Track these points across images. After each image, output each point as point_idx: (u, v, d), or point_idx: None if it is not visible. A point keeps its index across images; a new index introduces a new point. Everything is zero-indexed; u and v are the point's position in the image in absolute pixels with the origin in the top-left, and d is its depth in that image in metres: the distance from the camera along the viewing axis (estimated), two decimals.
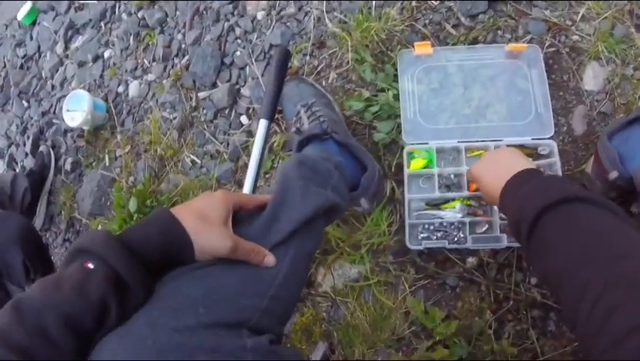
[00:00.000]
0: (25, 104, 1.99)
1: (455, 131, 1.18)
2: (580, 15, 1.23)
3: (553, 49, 1.22)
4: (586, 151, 1.15)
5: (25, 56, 2.04)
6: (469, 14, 1.28)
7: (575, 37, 1.22)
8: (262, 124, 1.12)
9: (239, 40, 1.49)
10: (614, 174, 0.98)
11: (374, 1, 1.36)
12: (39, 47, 2.00)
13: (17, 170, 1.93)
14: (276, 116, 1.20)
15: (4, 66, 2.13)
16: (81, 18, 1.87)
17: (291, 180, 0.82)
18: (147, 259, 0.65)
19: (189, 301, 0.64)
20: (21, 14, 2.04)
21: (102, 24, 1.81)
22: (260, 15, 1.48)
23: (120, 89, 1.69)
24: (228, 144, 1.42)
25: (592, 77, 1.19)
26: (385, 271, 1.17)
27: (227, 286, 0.68)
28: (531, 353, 1.06)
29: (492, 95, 1.18)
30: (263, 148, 1.11)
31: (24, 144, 1.94)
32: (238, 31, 1.49)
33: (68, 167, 1.77)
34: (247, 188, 1.07)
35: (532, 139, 1.14)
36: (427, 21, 1.31)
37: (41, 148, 1.83)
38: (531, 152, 1.13)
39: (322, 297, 1.21)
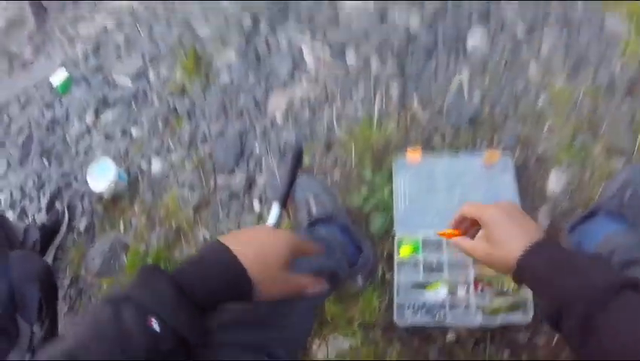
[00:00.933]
0: (46, 163, 2.16)
1: (438, 225, 1.40)
2: (545, 128, 1.53)
3: (522, 157, 1.52)
4: None
5: (52, 119, 2.24)
6: (454, 127, 1.58)
7: (541, 148, 1.52)
8: (275, 206, 1.35)
9: (258, 136, 1.73)
10: None
11: (376, 115, 1.64)
12: (67, 114, 2.21)
13: (28, 222, 2.07)
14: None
15: (29, 124, 2.32)
16: (114, 95, 2.10)
17: None
18: (204, 303, 0.65)
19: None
20: (55, 81, 2.25)
21: (133, 104, 2.04)
22: (278, 117, 1.74)
23: (144, 165, 1.89)
24: (239, 225, 1.63)
25: (556, 182, 1.48)
26: (373, 344, 1.37)
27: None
28: None
29: (470, 197, 1.45)
30: (276, 225, 1.33)
31: (38, 200, 2.10)
32: (258, 128, 1.74)
33: (81, 227, 1.92)
34: None
35: None
36: (418, 132, 1.61)
37: (57, 206, 2.00)
38: None
39: None
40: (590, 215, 1.29)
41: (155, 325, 0.58)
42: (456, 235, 0.93)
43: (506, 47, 1.68)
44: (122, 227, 1.84)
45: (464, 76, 1.66)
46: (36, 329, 1.43)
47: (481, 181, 1.47)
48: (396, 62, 1.71)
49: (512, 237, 0.78)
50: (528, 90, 1.62)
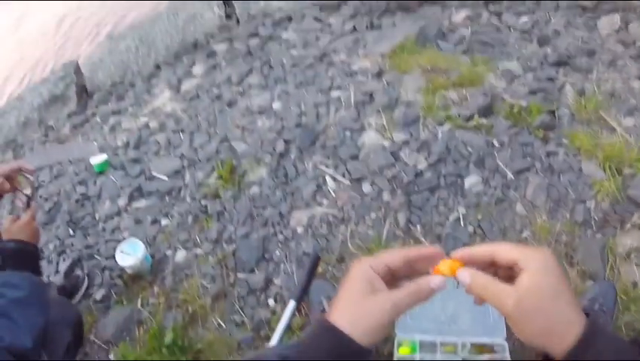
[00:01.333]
0: (71, 232, 2.37)
1: (434, 330, 1.69)
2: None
3: None
4: (529, 351, 1.63)
5: (84, 194, 2.49)
6: (449, 253, 1.90)
7: None
8: (291, 304, 1.63)
9: (280, 244, 2.04)
10: None
11: (384, 236, 1.98)
12: (100, 193, 2.47)
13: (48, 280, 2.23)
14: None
15: (59, 193, 2.56)
16: (149, 186, 2.40)
17: None
18: None
19: None
20: (94, 160, 2.54)
21: (167, 197, 2.34)
22: (299, 229, 2.07)
23: (169, 253, 2.14)
24: (253, 318, 1.88)
25: None
26: None
27: None
28: None
29: (462, 308, 1.71)
30: (290, 320, 1.60)
31: (57, 263, 2.29)
32: (280, 236, 2.06)
33: (98, 296, 2.11)
34: (274, 340, 1.54)
35: (490, 340, 1.65)
36: None
37: (78, 272, 2.19)
38: (489, 350, 1.64)
39: None
40: None
41: None
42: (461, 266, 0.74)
43: (497, 187, 2.08)
44: (139, 303, 2.05)
45: (461, 209, 2.04)
46: None
47: (471, 298, 1.79)
48: (404, 193, 2.09)
49: (567, 308, 0.65)
50: (514, 224, 1.99)
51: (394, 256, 0.72)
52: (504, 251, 0.71)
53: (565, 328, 0.64)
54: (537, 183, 2.06)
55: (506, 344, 1.64)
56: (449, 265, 0.73)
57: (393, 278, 0.72)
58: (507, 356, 1.61)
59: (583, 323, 0.63)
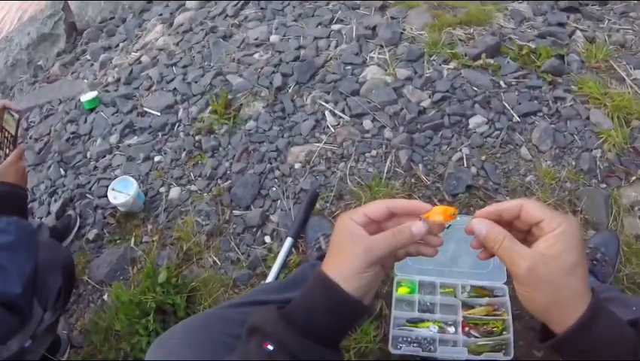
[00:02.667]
0: (62, 172, 2.30)
1: (433, 272, 1.64)
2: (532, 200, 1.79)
3: None
4: None
5: (74, 133, 2.40)
6: (451, 193, 1.83)
7: None
8: (288, 241, 1.56)
9: (276, 180, 1.94)
10: None
11: (384, 174, 1.89)
12: (91, 131, 2.38)
13: (40, 221, 2.17)
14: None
15: (49, 133, 2.47)
16: (141, 122, 2.29)
17: (309, 273, 1.17)
18: (320, 332, 0.68)
19: None
20: (84, 98, 2.43)
21: (160, 134, 2.23)
22: (297, 165, 1.96)
23: (162, 190, 2.06)
24: (249, 255, 1.80)
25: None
26: None
27: None
28: None
29: (462, 250, 1.67)
30: (286, 257, 1.53)
31: (49, 204, 2.23)
32: (277, 172, 1.96)
33: (90, 236, 2.04)
34: (270, 277, 1.47)
35: (490, 283, 1.61)
36: (420, 194, 1.84)
37: (70, 212, 2.12)
38: (489, 292, 1.61)
39: None
40: None
41: (269, 345, 0.66)
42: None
43: (502, 129, 1.98)
44: (132, 242, 1.98)
45: (464, 149, 1.94)
46: (47, 316, 1.52)
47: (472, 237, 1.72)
48: (406, 131, 1.98)
49: (578, 284, 0.63)
50: (518, 167, 1.90)
51: (376, 206, 0.72)
52: (531, 207, 0.67)
53: (570, 305, 0.62)
54: (544, 128, 1.97)
55: (506, 288, 1.60)
56: (442, 211, 0.71)
57: (380, 229, 0.72)
58: (507, 300, 1.57)
59: (588, 301, 0.62)
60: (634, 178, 1.88)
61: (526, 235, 0.68)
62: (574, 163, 1.91)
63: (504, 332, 1.53)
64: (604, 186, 1.86)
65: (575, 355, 0.65)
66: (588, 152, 1.93)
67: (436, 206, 0.72)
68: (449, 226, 0.75)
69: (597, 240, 1.66)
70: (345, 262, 0.68)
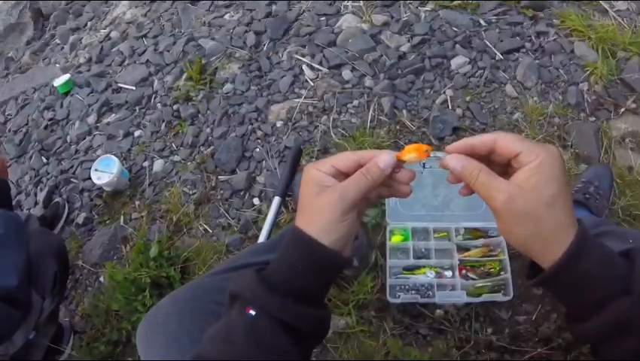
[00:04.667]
0: (45, 160, 2.24)
1: (425, 217, 1.60)
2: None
3: None
4: None
5: (52, 119, 2.34)
6: (438, 136, 1.78)
7: None
8: (276, 200, 1.51)
9: (259, 140, 1.89)
10: None
11: (368, 123, 1.82)
12: (68, 115, 2.31)
13: (28, 213, 2.13)
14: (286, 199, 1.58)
15: (27, 123, 2.41)
16: (117, 99, 2.22)
17: None
18: (301, 291, 0.66)
19: None
20: (57, 82, 2.36)
21: (137, 108, 2.17)
22: (279, 123, 1.90)
23: (145, 164, 2.01)
24: (239, 220, 1.76)
25: None
26: (367, 323, 1.50)
27: None
28: None
29: (454, 193, 1.61)
30: (276, 217, 1.49)
31: (35, 194, 2.18)
32: (259, 133, 1.90)
33: (80, 220, 2.01)
34: (262, 239, 1.44)
35: (484, 224, 1.58)
36: (406, 140, 1.79)
37: (57, 199, 2.08)
38: (483, 234, 1.57)
39: None
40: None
41: (251, 310, 0.64)
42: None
43: (485, 67, 1.92)
44: (122, 220, 1.94)
45: (448, 91, 1.87)
46: (46, 304, 1.50)
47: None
48: (387, 78, 1.91)
49: (561, 216, 0.60)
50: (504, 105, 1.85)
51: (343, 157, 0.69)
52: (506, 141, 0.63)
53: (554, 238, 0.59)
54: (528, 64, 1.91)
55: None
56: (415, 149, 0.68)
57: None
58: (502, 239, 1.53)
59: (573, 234, 0.59)
60: (623, 110, 1.83)
61: (506, 168, 0.65)
62: (561, 98, 1.86)
63: (502, 272, 1.51)
64: (593, 119, 1.81)
65: (564, 289, 0.62)
66: (575, 86, 1.87)
67: (408, 145, 0.69)
68: (425, 164, 0.74)
69: (589, 173, 1.61)
70: (319, 215, 0.65)
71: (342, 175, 0.68)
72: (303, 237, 0.65)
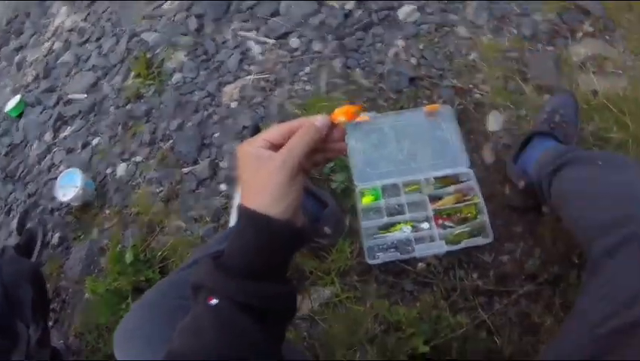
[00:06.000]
0: (11, 187, 2.19)
1: (393, 173, 1.56)
2: (479, 78, 1.71)
3: (461, 106, 1.67)
4: (498, 175, 1.55)
5: (10, 144, 2.28)
6: (396, 90, 1.72)
7: (477, 96, 1.68)
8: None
9: (216, 125, 1.82)
10: (521, 184, 1.39)
11: (323, 88, 1.77)
12: (25, 137, 2.25)
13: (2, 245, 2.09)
14: None
15: None
16: (70, 110, 2.16)
17: None
18: (249, 267, 0.64)
19: None
20: (8, 107, 2.29)
21: (91, 116, 2.10)
22: (233, 104, 1.84)
23: (108, 171, 1.95)
24: (210, 209, 1.71)
25: (494, 122, 1.64)
26: (352, 288, 1.47)
27: None
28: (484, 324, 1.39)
29: (419, 145, 1.59)
30: None
31: (7, 224, 2.13)
32: (215, 117, 1.84)
33: (55, 241, 1.95)
34: (232, 223, 1.39)
35: (453, 171, 1.54)
36: (365, 98, 1.74)
37: (29, 225, 2.03)
38: (454, 180, 1.53)
39: (302, 319, 1.48)
40: (527, 141, 1.45)
41: (214, 300, 0.62)
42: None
43: (434, 12, 1.85)
44: (95, 232, 1.89)
45: (399, 43, 1.80)
46: (32, 331, 1.46)
47: (426, 130, 1.61)
48: (336, 39, 1.84)
49: None
50: (459, 48, 1.78)
51: (274, 129, 0.69)
52: None
53: None
54: (477, 2, 1.85)
55: (471, 172, 1.52)
56: (344, 112, 0.71)
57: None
58: (474, 183, 1.50)
59: None
60: (581, 34, 1.78)
61: None
62: (515, 32, 1.80)
63: (479, 216, 1.46)
64: (551, 48, 1.75)
65: None
66: (527, 17, 1.81)
67: (337, 108, 0.71)
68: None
69: (553, 103, 1.56)
70: (263, 188, 0.63)
71: (276, 148, 0.66)
72: (250, 214, 0.63)
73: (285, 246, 0.66)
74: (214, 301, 0.62)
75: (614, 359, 0.75)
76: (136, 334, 0.89)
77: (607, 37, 1.78)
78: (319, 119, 0.68)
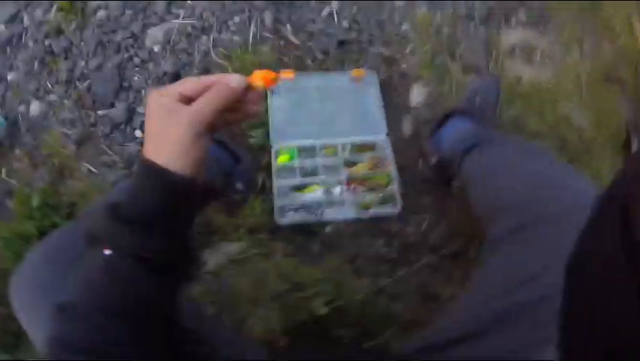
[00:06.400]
0: None
1: (312, 135, 1.54)
2: (408, 49, 1.69)
3: (386, 75, 1.66)
4: (414, 147, 1.57)
5: None
6: (323, 50, 1.68)
7: (404, 66, 1.67)
8: None
9: (137, 68, 1.74)
10: (434, 159, 1.40)
11: (251, 41, 1.70)
12: None
13: None
14: None
15: None
16: None
17: None
18: (145, 217, 0.63)
19: None
20: None
21: (8, 48, 1.97)
22: (156, 48, 1.75)
23: (21, 109, 1.84)
24: (123, 155, 1.64)
25: (417, 95, 1.64)
26: (260, 246, 1.46)
27: None
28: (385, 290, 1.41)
29: (340, 109, 1.57)
30: None
31: None
32: (136, 60, 1.75)
33: None
34: None
35: (371, 138, 1.55)
36: (291, 56, 1.69)
37: None
38: (371, 147, 1.54)
39: (208, 273, 1.45)
40: (445, 119, 1.44)
41: (106, 251, 0.61)
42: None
43: None
44: (4, 173, 1.79)
45: (333, 4, 1.74)
46: None
47: (349, 95, 1.58)
48: None
49: None
50: (392, 17, 1.75)
51: (188, 82, 0.66)
52: None
53: None
54: None
55: (388, 141, 1.53)
56: (262, 77, 0.70)
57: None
58: (389, 152, 1.51)
59: None
60: (514, 21, 1.78)
61: None
62: (452, 8, 1.77)
63: (390, 185, 1.47)
64: (483, 29, 1.75)
65: None
66: None
67: (256, 71, 0.70)
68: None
69: (476, 84, 1.59)
70: (168, 141, 0.62)
71: (189, 101, 0.65)
72: (151, 166, 0.62)
73: (184, 201, 0.64)
74: (106, 252, 0.61)
75: (507, 334, 0.78)
76: (31, 281, 0.86)
77: (540, 27, 1.79)
78: (235, 80, 0.67)
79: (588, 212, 0.46)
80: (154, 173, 0.62)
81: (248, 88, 0.69)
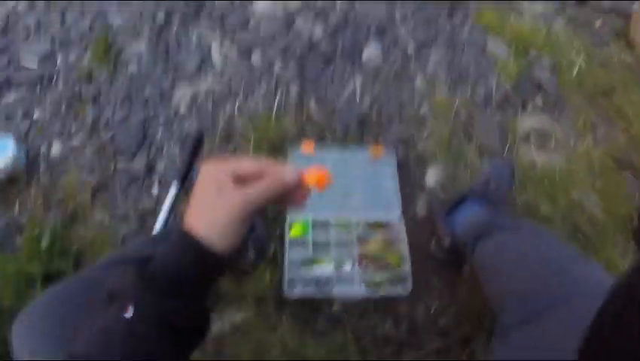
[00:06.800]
0: None
1: (326, 208, 1.58)
2: (426, 132, 1.76)
3: (404, 154, 1.71)
4: (427, 228, 1.59)
5: None
6: (344, 127, 1.76)
7: (421, 147, 1.73)
8: (174, 185, 1.45)
9: (161, 126, 1.79)
10: (447, 242, 1.42)
11: (275, 110, 1.77)
12: None
13: None
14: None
15: None
16: (18, 77, 2.08)
17: None
18: (173, 285, 0.64)
19: None
20: None
21: (38, 87, 2.03)
22: (182, 107, 1.81)
23: (43, 148, 1.88)
24: (137, 209, 1.67)
25: (432, 176, 1.69)
26: (265, 317, 1.47)
27: None
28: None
29: (357, 184, 1.62)
30: (173, 205, 1.42)
31: None
32: (162, 117, 1.80)
33: None
34: (158, 227, 1.39)
35: (385, 217, 1.57)
36: (313, 128, 1.76)
37: None
38: (385, 225, 1.57)
39: (211, 339, 1.45)
40: (460, 201, 1.49)
41: (130, 311, 0.61)
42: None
43: (397, 60, 1.87)
44: (17, 209, 1.82)
45: (357, 82, 1.81)
46: None
47: (366, 172, 1.64)
48: (297, 65, 1.85)
49: None
50: (412, 98, 1.82)
51: (246, 164, 0.68)
52: None
53: None
54: (439, 58, 1.91)
55: (402, 221, 1.57)
56: (317, 180, 0.71)
57: (246, 186, 0.67)
58: (402, 232, 1.54)
59: None
60: (530, 107, 1.85)
61: None
62: (469, 93, 1.85)
63: (402, 266, 1.49)
64: (499, 115, 1.82)
65: None
66: (484, 81, 1.87)
67: (311, 168, 0.70)
68: None
69: (491, 168, 1.62)
70: (215, 216, 0.63)
71: (240, 181, 0.67)
72: (194, 242, 0.63)
73: (217, 274, 0.67)
74: (129, 313, 0.61)
75: None
76: (36, 327, 0.87)
77: (555, 113, 1.85)
78: (289, 175, 0.68)
79: (599, 301, 0.48)
80: (196, 249, 0.63)
81: (299, 185, 0.69)
